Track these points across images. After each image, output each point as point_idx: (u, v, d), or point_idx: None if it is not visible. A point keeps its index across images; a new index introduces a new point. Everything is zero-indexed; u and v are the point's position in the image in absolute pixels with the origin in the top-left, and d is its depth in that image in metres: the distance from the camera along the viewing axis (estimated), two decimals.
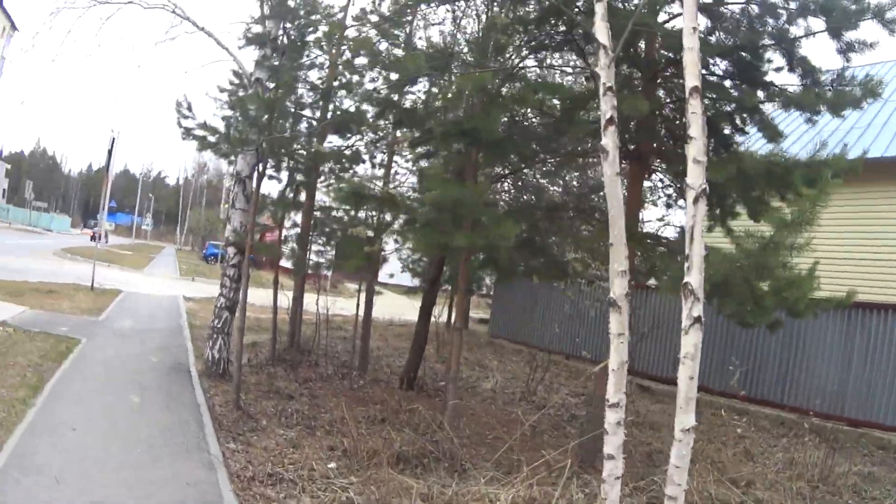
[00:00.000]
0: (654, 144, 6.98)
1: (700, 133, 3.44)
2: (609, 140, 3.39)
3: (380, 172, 11.28)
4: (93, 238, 23.11)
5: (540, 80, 6.59)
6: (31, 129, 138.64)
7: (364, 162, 10.54)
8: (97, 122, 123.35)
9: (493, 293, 17.35)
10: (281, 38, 8.39)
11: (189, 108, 7.95)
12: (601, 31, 3.63)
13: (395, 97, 6.87)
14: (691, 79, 3.49)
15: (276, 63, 8.10)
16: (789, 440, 8.23)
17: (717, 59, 6.62)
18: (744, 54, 6.38)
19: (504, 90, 6.22)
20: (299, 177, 10.00)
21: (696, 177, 3.37)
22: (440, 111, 5.91)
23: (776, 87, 6.45)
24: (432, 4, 8.50)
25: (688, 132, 3.42)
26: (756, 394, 10.11)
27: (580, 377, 12.70)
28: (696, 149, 3.40)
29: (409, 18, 9.17)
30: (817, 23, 6.01)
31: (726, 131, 6.77)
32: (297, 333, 10.48)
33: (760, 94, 6.42)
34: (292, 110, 8.59)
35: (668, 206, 9.15)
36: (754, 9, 6.43)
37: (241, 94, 8.55)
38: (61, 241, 39.77)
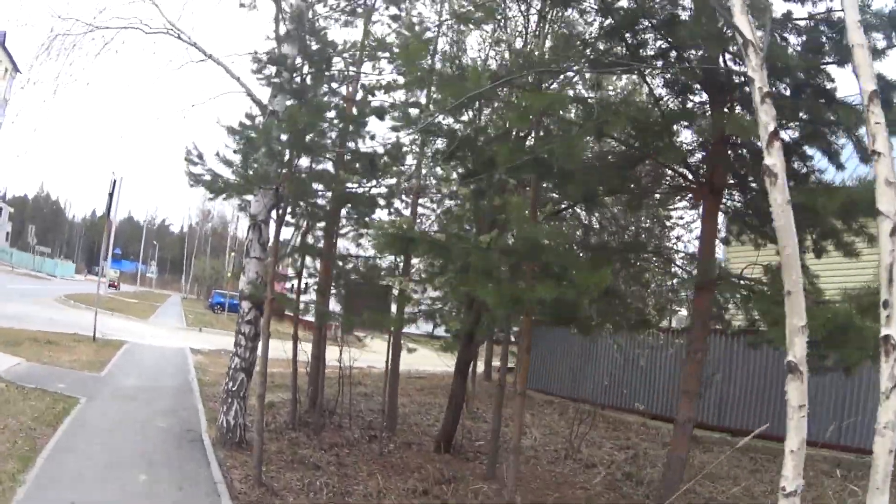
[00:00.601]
0: (728, 176, 6.27)
1: (887, 148, 2.67)
2: (776, 159, 2.61)
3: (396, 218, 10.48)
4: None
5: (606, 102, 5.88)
6: (34, 173, 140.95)
7: (386, 206, 9.77)
8: (101, 168, 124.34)
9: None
10: (300, 63, 7.73)
11: (200, 157, 7.27)
12: (743, 24, 2.89)
13: (446, 124, 6.12)
14: (867, 81, 2.74)
15: (297, 88, 7.39)
16: (856, 483, 7.50)
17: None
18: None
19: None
20: (319, 222, 9.21)
21: (890, 202, 2.58)
22: (505, 137, 5.17)
23: (848, 105, 5.74)
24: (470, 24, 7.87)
25: (873, 147, 2.65)
26: (809, 435, 9.17)
27: (619, 428, 11.78)
28: (886, 167, 2.62)
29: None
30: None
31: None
32: (321, 394, 9.48)
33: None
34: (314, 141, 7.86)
35: (727, 241, 8.35)
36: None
37: (253, 134, 7.83)
38: (65, 288, 39.02)
